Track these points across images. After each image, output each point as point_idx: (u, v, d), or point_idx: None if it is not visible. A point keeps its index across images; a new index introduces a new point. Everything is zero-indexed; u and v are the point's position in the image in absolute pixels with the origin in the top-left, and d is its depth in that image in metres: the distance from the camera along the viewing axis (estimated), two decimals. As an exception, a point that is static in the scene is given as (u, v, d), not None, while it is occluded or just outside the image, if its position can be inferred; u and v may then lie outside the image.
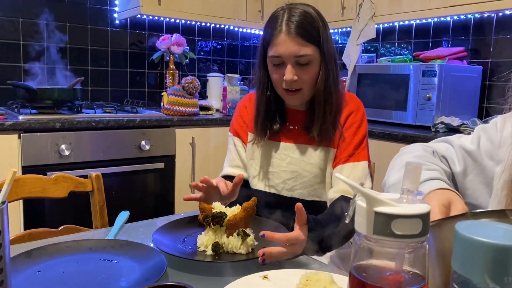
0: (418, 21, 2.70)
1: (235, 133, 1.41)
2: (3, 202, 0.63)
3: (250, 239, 0.97)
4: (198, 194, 1.12)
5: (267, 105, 1.30)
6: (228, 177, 1.35)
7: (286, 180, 1.30)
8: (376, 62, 2.87)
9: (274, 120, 1.32)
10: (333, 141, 1.28)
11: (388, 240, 0.45)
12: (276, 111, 1.32)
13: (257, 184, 1.36)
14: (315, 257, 1.13)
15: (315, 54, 1.21)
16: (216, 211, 0.97)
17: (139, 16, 2.84)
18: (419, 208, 0.46)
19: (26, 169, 2.07)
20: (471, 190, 0.87)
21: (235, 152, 1.40)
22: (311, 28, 1.20)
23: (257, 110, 1.32)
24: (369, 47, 3.06)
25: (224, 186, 1.08)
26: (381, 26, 2.90)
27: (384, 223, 0.45)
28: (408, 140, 2.12)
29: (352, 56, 2.77)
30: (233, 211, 0.99)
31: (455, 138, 0.96)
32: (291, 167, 1.30)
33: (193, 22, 3.17)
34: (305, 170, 1.29)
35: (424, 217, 0.45)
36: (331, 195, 1.23)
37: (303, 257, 0.97)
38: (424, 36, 2.74)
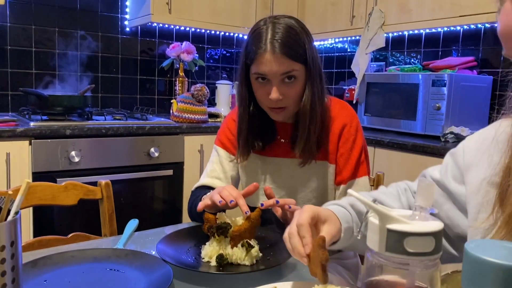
0: (427, 30, 2.69)
1: (221, 144, 1.36)
2: (17, 213, 0.64)
3: (255, 251, 0.96)
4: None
5: (249, 123, 1.25)
6: (205, 187, 1.31)
7: (283, 196, 1.27)
8: (385, 71, 2.86)
9: (257, 136, 1.28)
10: (328, 155, 1.25)
11: (401, 258, 0.45)
12: (261, 127, 1.28)
13: (254, 200, 1.33)
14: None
15: (301, 71, 1.16)
16: (221, 222, 0.97)
17: (149, 24, 2.86)
18: (432, 225, 0.45)
19: (36, 175, 2.08)
20: (450, 219, 0.85)
21: (217, 163, 1.35)
22: (296, 45, 1.15)
23: (239, 128, 1.27)
24: (378, 56, 3.05)
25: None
26: (390, 35, 2.90)
27: (396, 241, 0.45)
28: (417, 150, 2.11)
29: (361, 65, 2.77)
30: (237, 222, 0.99)
31: (431, 169, 0.95)
32: (287, 183, 1.28)
33: (203, 30, 3.19)
34: (301, 185, 1.26)
35: (437, 235, 0.45)
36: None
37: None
38: (433, 46, 2.73)
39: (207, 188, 1.31)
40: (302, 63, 1.16)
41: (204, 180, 1.33)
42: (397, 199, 0.94)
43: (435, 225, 0.45)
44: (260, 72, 1.15)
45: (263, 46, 1.14)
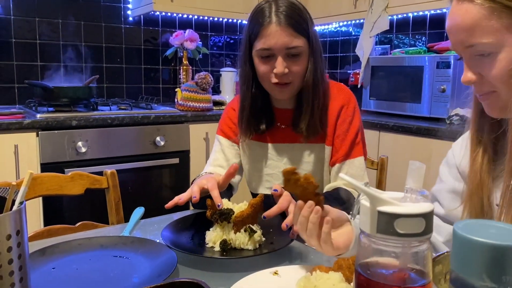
0: (432, 12, 2.66)
1: (222, 133, 1.37)
2: (21, 203, 0.66)
3: (257, 235, 0.98)
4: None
5: (252, 101, 1.27)
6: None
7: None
8: (390, 54, 2.84)
9: (260, 119, 1.29)
10: (326, 138, 1.26)
11: (391, 239, 0.46)
12: (262, 110, 1.29)
13: (256, 187, 1.35)
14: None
15: (305, 46, 1.18)
16: (224, 208, 0.99)
17: (152, 12, 2.86)
18: (422, 207, 0.46)
19: (44, 166, 2.11)
20: None
21: (220, 152, 1.36)
22: (300, 19, 1.17)
23: (242, 106, 1.28)
24: (382, 39, 3.03)
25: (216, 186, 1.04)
26: (394, 17, 2.87)
27: (387, 222, 0.46)
28: (423, 133, 2.11)
29: (365, 49, 2.75)
30: (240, 208, 1.00)
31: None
32: (287, 167, 1.29)
33: (206, 18, 3.18)
34: (302, 169, 1.28)
35: (427, 216, 0.46)
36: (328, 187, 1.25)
37: (313, 253, 0.98)
38: (438, 27, 2.69)
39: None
40: (305, 38, 1.18)
41: (207, 169, 1.35)
42: None
43: (425, 206, 0.46)
44: (266, 47, 1.16)
45: (267, 19, 1.16)
